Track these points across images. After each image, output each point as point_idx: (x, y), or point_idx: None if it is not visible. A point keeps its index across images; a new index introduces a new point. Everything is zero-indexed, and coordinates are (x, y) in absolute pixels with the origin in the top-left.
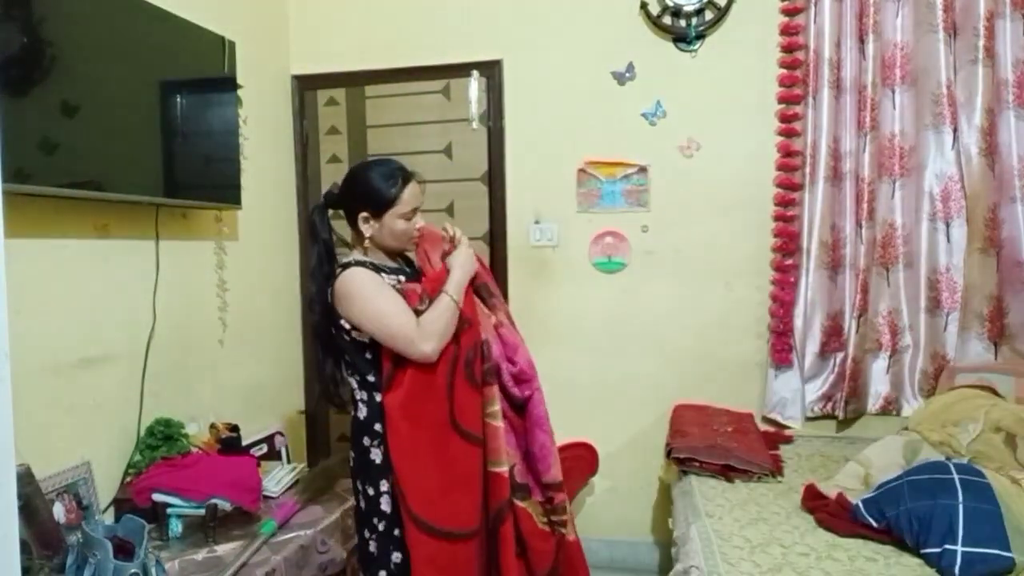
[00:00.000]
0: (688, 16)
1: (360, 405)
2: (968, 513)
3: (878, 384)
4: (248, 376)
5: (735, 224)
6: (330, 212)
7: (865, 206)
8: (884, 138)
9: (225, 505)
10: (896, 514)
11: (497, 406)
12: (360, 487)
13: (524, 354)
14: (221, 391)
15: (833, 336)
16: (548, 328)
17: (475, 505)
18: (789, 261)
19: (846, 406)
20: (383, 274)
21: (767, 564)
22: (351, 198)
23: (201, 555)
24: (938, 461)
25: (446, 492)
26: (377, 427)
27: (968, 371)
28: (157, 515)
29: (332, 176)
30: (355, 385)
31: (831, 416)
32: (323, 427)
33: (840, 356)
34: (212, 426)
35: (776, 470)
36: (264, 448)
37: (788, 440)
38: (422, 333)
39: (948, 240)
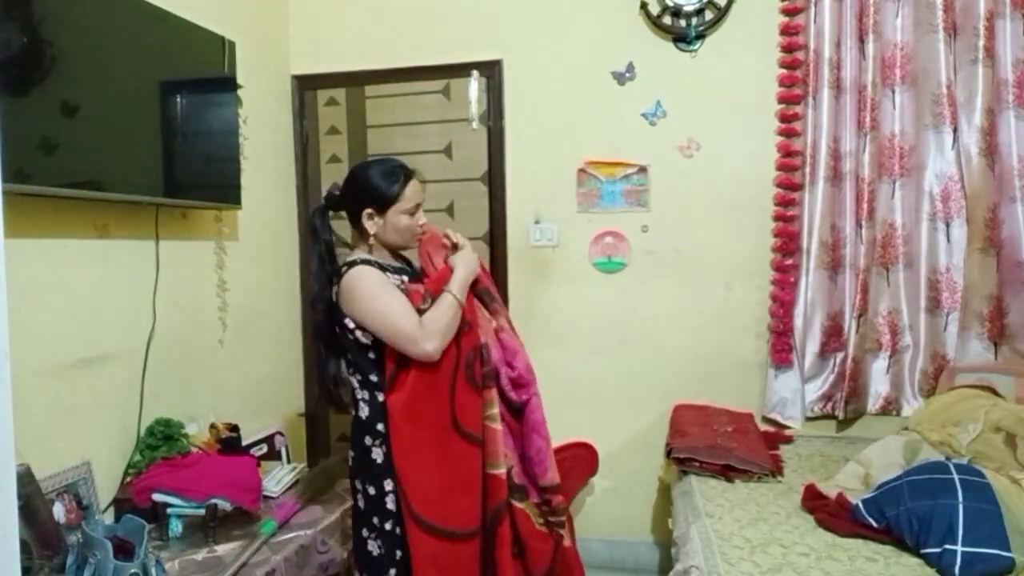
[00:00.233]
0: (688, 16)
1: (361, 404)
2: (968, 513)
3: (878, 384)
4: (248, 376)
5: (735, 224)
6: (330, 213)
7: (865, 206)
8: (884, 138)
9: (225, 505)
10: (896, 514)
11: (496, 409)
12: (360, 486)
13: (523, 359)
14: (221, 391)
15: (833, 336)
16: (548, 328)
17: (476, 505)
18: (789, 261)
19: (846, 406)
20: (387, 273)
21: (767, 564)
22: (354, 197)
23: (201, 555)
24: (938, 461)
25: (448, 492)
26: (380, 427)
27: (968, 371)
28: (157, 515)
29: (332, 176)
30: (356, 385)
31: (831, 416)
32: (323, 427)
33: (840, 356)
34: (212, 426)
35: (776, 470)
36: (264, 448)
37: (788, 440)
38: (425, 332)
39: (948, 240)
